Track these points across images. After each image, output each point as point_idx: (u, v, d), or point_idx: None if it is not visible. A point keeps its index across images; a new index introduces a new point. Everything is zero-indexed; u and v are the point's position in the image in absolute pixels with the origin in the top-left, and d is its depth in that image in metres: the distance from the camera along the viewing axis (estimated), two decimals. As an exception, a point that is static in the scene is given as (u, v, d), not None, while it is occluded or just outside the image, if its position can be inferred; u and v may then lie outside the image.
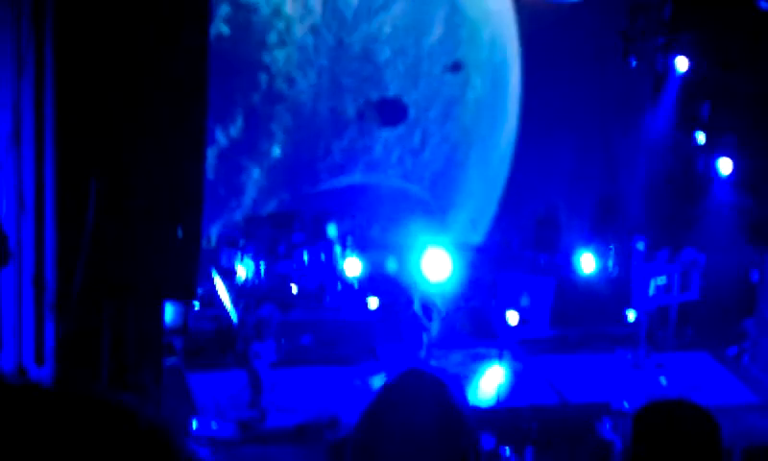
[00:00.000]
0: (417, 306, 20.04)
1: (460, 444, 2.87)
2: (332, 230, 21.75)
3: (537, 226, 23.66)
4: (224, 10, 22.18)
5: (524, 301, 21.13)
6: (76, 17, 11.02)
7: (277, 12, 23.04)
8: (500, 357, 19.78)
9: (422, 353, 19.86)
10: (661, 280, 21.50)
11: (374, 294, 21.52)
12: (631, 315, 21.27)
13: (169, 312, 18.18)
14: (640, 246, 22.04)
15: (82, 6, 11.03)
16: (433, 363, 19.74)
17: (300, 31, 23.28)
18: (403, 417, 2.83)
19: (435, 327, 20.15)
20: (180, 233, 11.18)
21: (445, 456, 2.83)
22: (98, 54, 10.99)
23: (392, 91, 24.17)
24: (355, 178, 24.00)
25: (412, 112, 24.33)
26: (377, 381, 18.39)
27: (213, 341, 20.17)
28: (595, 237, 23.30)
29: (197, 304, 19.94)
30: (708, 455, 3.90)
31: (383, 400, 2.91)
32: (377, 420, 2.88)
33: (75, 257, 10.94)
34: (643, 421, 3.99)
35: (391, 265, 22.73)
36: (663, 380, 20.38)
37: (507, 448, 16.04)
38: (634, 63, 22.27)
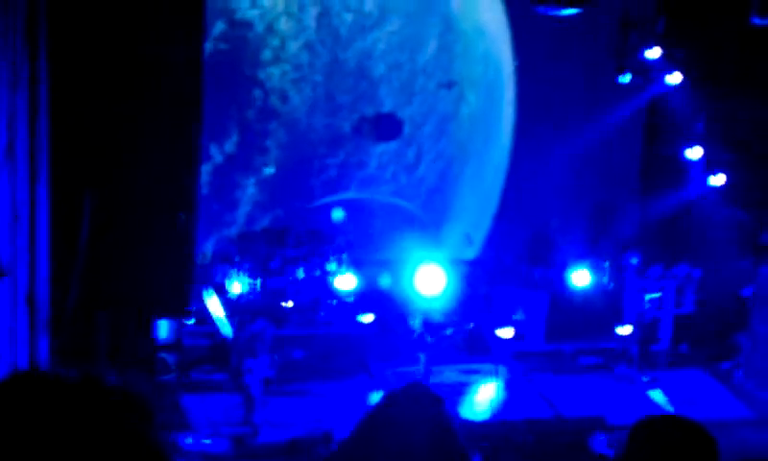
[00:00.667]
0: (417, 323, 19.95)
1: (450, 455, 2.88)
2: (338, 214, 21.59)
3: (531, 241, 23.68)
4: (219, 27, 22.23)
5: (519, 315, 21.13)
6: (70, 31, 11.03)
7: (272, 28, 23.08)
8: (495, 372, 19.79)
9: (420, 369, 19.82)
10: (655, 295, 21.52)
11: (368, 310, 21.52)
12: (624, 330, 21.27)
13: (163, 328, 18.23)
14: (634, 261, 22.06)
15: (76, 20, 11.04)
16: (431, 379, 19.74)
17: (294, 47, 23.31)
18: (399, 432, 2.83)
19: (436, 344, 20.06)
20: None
21: None
22: (92, 68, 11.00)
23: (387, 107, 24.18)
24: (350, 194, 24.01)
25: (407, 128, 24.35)
26: (371, 397, 18.39)
27: (208, 357, 20.18)
28: (590, 252, 23.31)
29: (191, 321, 19.95)
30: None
31: (380, 413, 2.92)
32: (373, 432, 2.88)
33: (69, 273, 10.94)
34: (640, 435, 3.99)
35: (385, 281, 22.73)
36: (657, 393, 20.38)
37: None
38: (626, 79, 22.35)
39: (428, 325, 19.93)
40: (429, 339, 19.91)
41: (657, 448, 3.91)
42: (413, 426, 2.88)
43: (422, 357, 19.85)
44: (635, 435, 3.97)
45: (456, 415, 2.99)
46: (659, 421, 4.07)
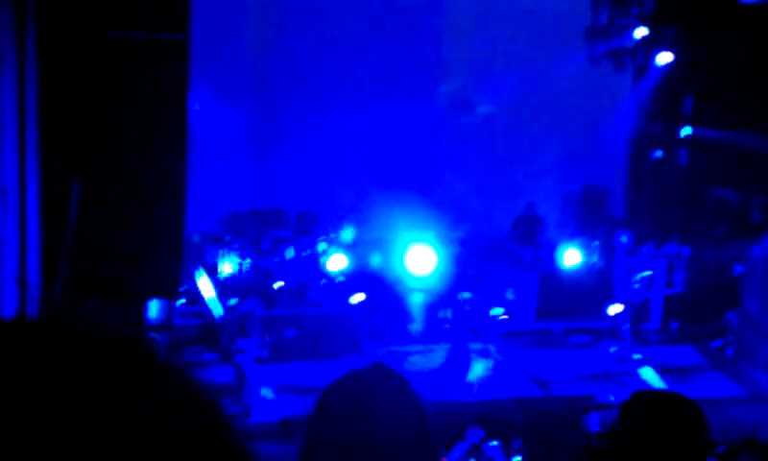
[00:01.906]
0: (448, 313, 19.76)
1: (417, 433, 2.87)
2: (348, 234, 21.27)
3: (520, 220, 23.71)
4: None
5: (509, 294, 21.15)
6: (58, 12, 10.99)
7: None
8: (485, 351, 19.81)
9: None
10: (645, 274, 21.56)
11: (359, 290, 21.54)
12: (614, 309, 21.31)
13: (153, 309, 18.22)
14: (624, 240, 22.10)
15: (64, 1, 11.01)
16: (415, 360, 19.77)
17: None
18: (356, 398, 2.84)
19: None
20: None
21: (400, 444, 2.82)
22: (80, 50, 10.97)
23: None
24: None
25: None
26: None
27: (198, 337, 20.19)
28: (579, 232, 23.34)
29: (181, 301, 19.96)
30: (695, 444, 3.92)
31: (337, 384, 2.93)
32: (328, 400, 2.89)
33: (58, 256, 10.93)
34: (630, 410, 4.01)
35: (375, 260, 22.76)
36: (648, 371, 20.41)
37: (493, 441, 16.04)
38: (601, 59, 22.32)
39: (459, 314, 19.65)
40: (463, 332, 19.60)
41: (647, 423, 3.93)
42: (369, 392, 2.88)
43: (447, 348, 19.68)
44: (625, 411, 3.99)
45: (424, 395, 2.97)
46: (648, 396, 4.10)
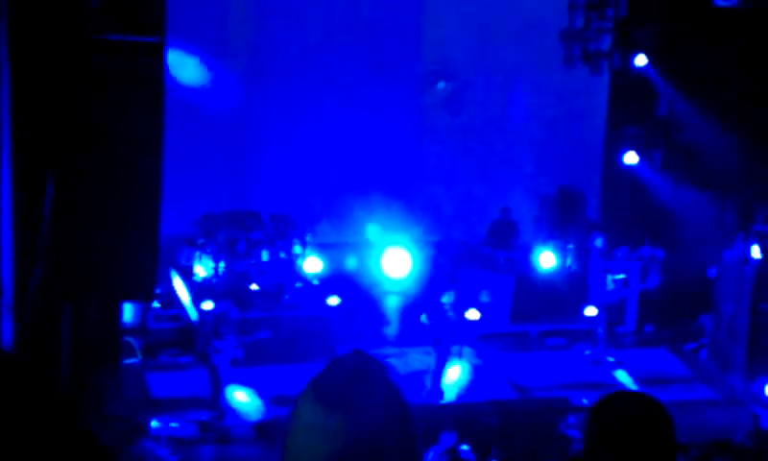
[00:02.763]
0: (423, 318, 19.67)
1: (397, 422, 2.87)
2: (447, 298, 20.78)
3: (496, 225, 23.73)
4: None
5: (484, 297, 21.16)
6: (33, 13, 10.94)
7: None
8: (460, 354, 19.81)
9: (432, 364, 19.59)
10: (620, 277, 21.61)
11: (334, 292, 21.54)
12: (590, 311, 21.35)
13: (128, 312, 18.15)
14: (599, 243, 22.15)
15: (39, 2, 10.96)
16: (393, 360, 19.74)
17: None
18: (344, 389, 2.83)
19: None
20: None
21: (381, 434, 2.82)
22: (57, 51, 10.92)
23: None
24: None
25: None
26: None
27: (173, 340, 20.14)
28: (555, 234, 23.38)
29: (156, 304, 19.89)
30: (661, 447, 3.94)
31: (320, 374, 2.92)
32: (311, 392, 2.88)
33: (33, 258, 10.88)
34: (598, 414, 4.02)
35: (351, 263, 22.77)
36: (621, 374, 20.48)
37: (466, 445, 16.06)
38: (577, 63, 22.35)
39: (436, 316, 19.52)
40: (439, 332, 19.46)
41: (614, 426, 3.95)
42: (357, 381, 2.88)
43: (433, 352, 19.61)
44: (593, 413, 4.01)
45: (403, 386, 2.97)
46: (617, 398, 4.11)
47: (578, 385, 19.69)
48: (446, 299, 19.39)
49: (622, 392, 4.14)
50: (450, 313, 19.34)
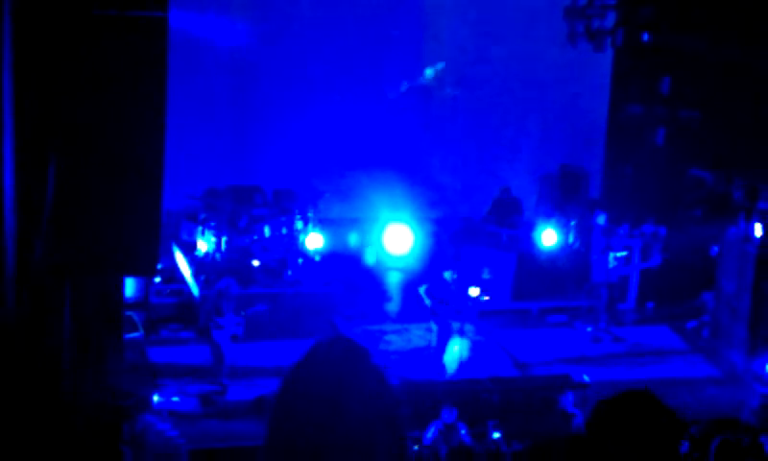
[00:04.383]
0: (422, 290, 19.65)
1: (383, 405, 2.88)
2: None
3: (497, 203, 23.72)
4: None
5: (486, 274, 21.15)
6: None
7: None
8: (461, 331, 19.83)
9: (432, 341, 19.59)
10: (621, 254, 21.60)
11: (336, 269, 21.57)
12: (590, 289, 21.38)
13: (130, 287, 18.18)
14: (601, 220, 22.12)
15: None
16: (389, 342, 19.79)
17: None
18: (322, 373, 2.84)
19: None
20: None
21: (367, 417, 2.83)
22: (57, 28, 10.89)
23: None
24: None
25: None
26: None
27: (175, 315, 20.17)
28: (557, 212, 23.36)
29: (158, 279, 19.91)
30: (668, 431, 3.93)
31: (304, 359, 2.93)
32: (296, 377, 2.88)
33: (35, 233, 10.88)
34: (603, 414, 4.00)
35: (352, 240, 22.75)
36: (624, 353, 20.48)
37: (464, 429, 16.11)
38: (580, 41, 22.27)
39: (437, 291, 19.48)
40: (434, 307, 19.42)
41: (621, 425, 3.93)
42: (333, 366, 2.88)
43: (434, 327, 19.60)
44: (598, 413, 3.98)
45: (384, 366, 2.98)
46: (623, 399, 4.06)
47: (579, 361, 19.73)
48: (449, 275, 19.38)
49: (627, 393, 4.09)
50: (452, 288, 19.34)
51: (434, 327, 19.49)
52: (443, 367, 19.34)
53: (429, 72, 24.95)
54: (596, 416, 3.99)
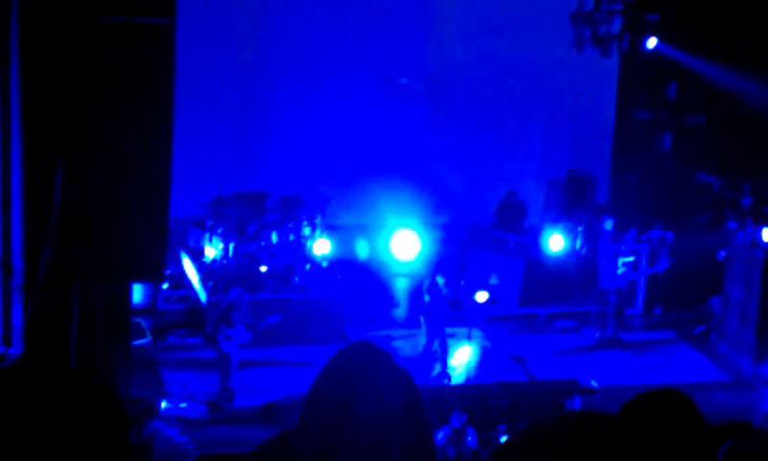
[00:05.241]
0: (425, 286, 19.67)
1: (410, 406, 2.90)
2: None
3: (502, 206, 23.73)
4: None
5: (493, 280, 21.15)
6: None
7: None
8: (469, 336, 19.83)
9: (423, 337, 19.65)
10: (629, 259, 21.59)
11: (344, 275, 21.59)
12: (599, 294, 21.38)
13: (138, 293, 18.18)
14: (608, 225, 22.11)
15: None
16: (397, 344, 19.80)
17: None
18: (347, 378, 2.86)
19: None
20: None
21: (394, 418, 2.85)
22: (66, 33, 10.92)
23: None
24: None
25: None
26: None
27: (183, 321, 20.19)
28: (564, 217, 23.37)
29: (165, 285, 19.93)
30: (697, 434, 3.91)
31: (329, 365, 2.94)
32: (321, 384, 2.89)
33: (42, 239, 10.90)
34: (629, 413, 3.97)
35: (360, 246, 22.75)
36: (632, 358, 20.46)
37: (474, 429, 16.10)
38: (587, 47, 22.23)
39: (434, 292, 19.52)
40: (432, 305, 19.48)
41: (647, 424, 3.91)
42: (367, 381, 2.90)
43: (422, 320, 19.66)
44: (627, 412, 3.95)
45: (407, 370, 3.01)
46: (649, 397, 4.04)
47: (587, 367, 19.71)
48: (440, 279, 19.46)
49: (653, 392, 4.05)
50: (444, 290, 19.41)
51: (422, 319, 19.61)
52: (449, 373, 19.36)
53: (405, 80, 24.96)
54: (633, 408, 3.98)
